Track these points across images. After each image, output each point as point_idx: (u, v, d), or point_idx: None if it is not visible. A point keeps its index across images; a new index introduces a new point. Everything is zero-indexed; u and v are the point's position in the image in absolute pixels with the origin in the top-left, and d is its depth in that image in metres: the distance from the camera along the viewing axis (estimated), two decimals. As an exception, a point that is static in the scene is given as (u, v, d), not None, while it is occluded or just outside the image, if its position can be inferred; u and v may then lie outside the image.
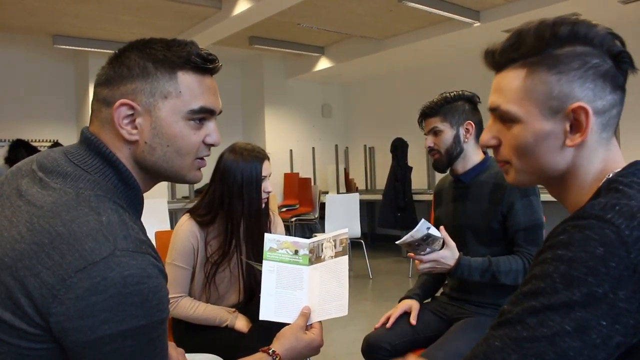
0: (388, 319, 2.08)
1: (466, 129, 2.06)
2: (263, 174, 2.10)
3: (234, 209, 2.06)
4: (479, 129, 2.08)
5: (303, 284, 1.51)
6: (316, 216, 8.20)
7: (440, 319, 2.10)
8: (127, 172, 1.02)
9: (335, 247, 1.51)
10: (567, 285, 0.75)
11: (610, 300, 0.73)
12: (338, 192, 8.50)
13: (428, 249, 1.83)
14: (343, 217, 6.19)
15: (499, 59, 0.95)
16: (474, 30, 6.31)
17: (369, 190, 8.85)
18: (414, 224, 6.16)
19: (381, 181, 7.81)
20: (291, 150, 9.09)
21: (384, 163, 7.80)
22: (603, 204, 0.79)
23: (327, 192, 8.51)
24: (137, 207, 1.05)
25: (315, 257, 1.54)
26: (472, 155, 2.09)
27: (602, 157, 0.91)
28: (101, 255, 0.85)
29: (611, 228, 0.75)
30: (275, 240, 1.55)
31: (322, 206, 6.34)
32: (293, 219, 8.10)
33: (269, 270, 1.51)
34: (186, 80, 1.03)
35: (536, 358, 0.75)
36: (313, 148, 9.20)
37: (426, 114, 2.10)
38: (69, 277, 0.83)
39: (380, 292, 5.62)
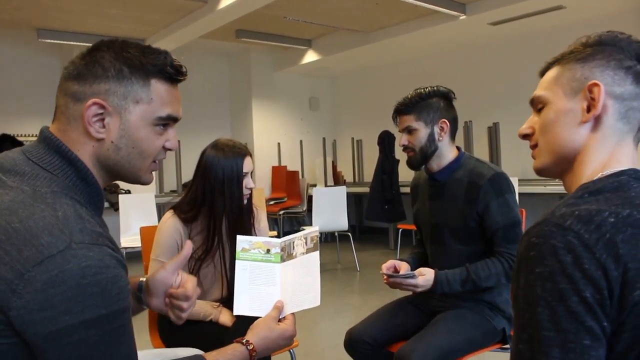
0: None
1: (440, 127, 2.05)
2: (244, 170, 2.11)
3: (215, 205, 2.08)
4: (454, 126, 2.09)
5: (275, 280, 1.56)
6: (304, 209, 8.23)
7: (421, 312, 2.13)
8: (86, 169, 1.05)
9: (306, 244, 1.55)
10: (560, 300, 0.80)
11: (599, 300, 0.79)
12: (326, 185, 8.53)
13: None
14: (330, 210, 6.22)
15: (547, 64, 1.08)
16: (460, 23, 6.33)
17: (357, 182, 8.88)
18: (401, 216, 6.20)
19: (369, 173, 7.85)
20: (279, 144, 9.09)
21: (372, 156, 7.84)
22: (563, 211, 0.84)
23: (315, 185, 8.54)
24: (96, 203, 1.08)
25: (287, 254, 1.59)
26: (447, 153, 2.09)
27: (611, 150, 0.97)
28: (58, 248, 0.87)
29: (572, 234, 0.81)
30: (247, 241, 1.60)
31: (310, 199, 6.36)
32: (281, 212, 8.12)
33: (242, 269, 1.56)
34: (158, 88, 1.08)
35: None
36: (301, 141, 9.22)
37: (400, 110, 2.08)
38: (27, 271, 0.85)
39: (368, 284, 5.66)
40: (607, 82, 0.96)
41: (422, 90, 2.06)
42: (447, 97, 2.10)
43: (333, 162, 9.21)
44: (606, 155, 0.97)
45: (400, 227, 6.31)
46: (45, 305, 0.85)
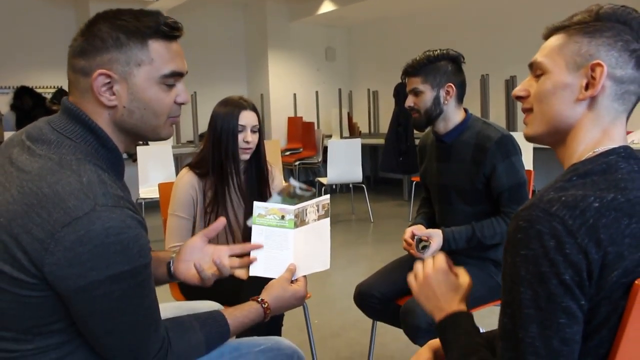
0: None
1: (447, 91, 2.07)
2: (241, 122, 2.13)
3: (217, 159, 2.15)
4: (461, 90, 2.10)
5: (289, 245, 1.65)
6: (319, 160, 8.29)
7: (428, 268, 2.21)
8: (106, 136, 1.13)
9: (318, 212, 1.63)
10: (541, 282, 0.87)
11: (578, 281, 0.85)
12: (341, 136, 8.56)
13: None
14: (345, 162, 6.27)
15: (551, 28, 1.06)
16: (479, -28, 6.20)
17: (372, 134, 8.89)
18: (415, 168, 6.22)
19: (384, 125, 7.84)
20: (295, 95, 9.09)
21: (388, 107, 7.82)
22: (551, 196, 0.90)
23: (330, 136, 8.57)
24: (117, 168, 1.17)
25: (300, 220, 1.67)
26: (453, 116, 2.12)
27: (604, 128, 0.99)
28: (83, 211, 0.96)
29: (557, 220, 0.86)
30: (263, 207, 1.69)
31: (325, 150, 6.41)
32: (297, 163, 8.20)
33: (258, 234, 1.66)
34: (156, 48, 1.13)
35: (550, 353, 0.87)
36: (317, 92, 9.20)
37: (408, 72, 2.11)
38: (56, 231, 0.95)
39: (381, 235, 5.76)
40: (611, 64, 0.96)
41: (431, 52, 2.08)
42: (456, 60, 2.11)
43: (349, 113, 9.20)
44: (599, 132, 0.99)
45: (414, 179, 6.37)
46: (74, 262, 0.95)
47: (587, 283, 0.86)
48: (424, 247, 2.03)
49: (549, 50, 1.03)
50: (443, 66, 2.07)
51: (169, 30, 1.14)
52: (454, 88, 2.07)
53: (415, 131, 7.11)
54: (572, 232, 0.85)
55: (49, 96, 7.44)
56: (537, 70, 1.05)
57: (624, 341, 0.87)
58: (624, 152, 0.97)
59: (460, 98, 2.12)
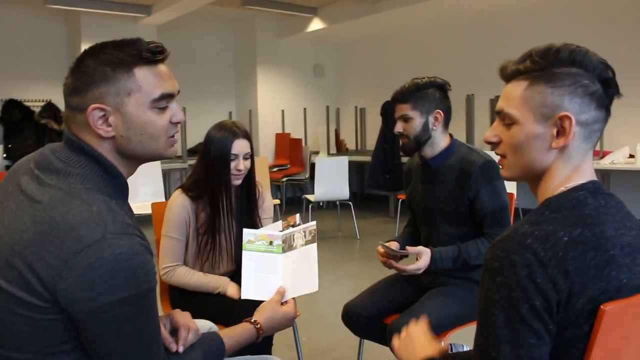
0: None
1: (435, 117, 2.14)
2: (234, 151, 2.17)
3: (209, 183, 2.20)
4: (448, 116, 2.18)
5: (278, 269, 1.75)
6: (307, 176, 8.36)
7: (414, 288, 2.28)
8: (109, 163, 1.18)
9: (305, 237, 1.72)
10: (513, 306, 0.95)
11: (547, 307, 0.94)
12: (329, 153, 8.64)
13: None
14: (332, 179, 6.34)
15: (509, 72, 1.12)
16: (465, -5, 6.34)
17: (359, 151, 8.99)
18: (401, 185, 6.30)
19: (371, 142, 7.95)
20: (283, 111, 9.17)
21: (375, 124, 7.92)
22: (525, 229, 0.98)
23: (317, 153, 8.65)
24: (123, 191, 1.22)
25: (287, 246, 1.78)
26: (440, 141, 2.19)
27: (575, 165, 1.08)
28: (94, 238, 1.02)
29: (530, 252, 0.95)
30: (252, 234, 1.78)
31: (313, 166, 6.48)
32: (284, 179, 8.26)
33: (248, 259, 1.76)
34: (142, 74, 1.16)
35: None
36: (305, 109, 9.29)
37: (397, 99, 2.17)
38: (69, 258, 1.00)
39: (368, 252, 5.82)
40: (575, 111, 1.03)
41: (419, 80, 2.15)
42: (442, 88, 2.19)
43: (336, 130, 9.30)
44: (570, 170, 1.08)
45: (400, 197, 6.45)
46: (85, 287, 1.01)
47: (556, 310, 0.94)
48: (402, 258, 2.13)
49: (515, 100, 1.08)
50: (431, 94, 2.15)
51: (152, 56, 1.17)
52: (442, 114, 2.15)
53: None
54: (543, 263, 0.94)
55: (37, 109, 7.47)
56: (506, 119, 1.11)
57: (592, 357, 0.95)
58: (593, 187, 1.06)
59: (446, 124, 2.20)
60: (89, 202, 1.07)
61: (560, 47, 1.06)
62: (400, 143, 2.24)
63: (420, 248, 2.08)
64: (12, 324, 1.05)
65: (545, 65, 1.05)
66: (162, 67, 1.20)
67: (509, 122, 1.11)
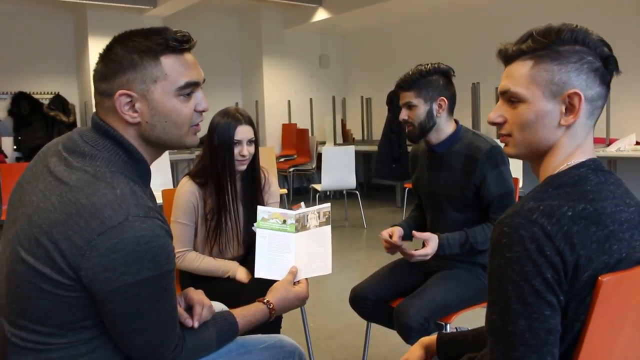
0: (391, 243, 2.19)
1: (439, 104, 2.16)
2: (237, 137, 2.21)
3: (214, 169, 2.24)
4: (452, 102, 2.20)
5: (290, 248, 1.76)
6: (313, 166, 8.39)
7: (420, 272, 2.31)
8: (134, 148, 1.22)
9: (319, 218, 1.73)
10: (526, 280, 0.97)
11: (557, 279, 0.97)
12: (335, 143, 8.66)
13: None
14: (339, 169, 6.37)
15: (511, 53, 1.13)
16: (470, -17, 6.33)
17: (366, 140, 8.99)
18: (408, 175, 6.31)
19: (378, 132, 7.95)
20: (289, 101, 9.19)
21: (381, 114, 7.92)
22: (530, 205, 1.01)
23: (324, 143, 8.67)
24: (145, 177, 1.26)
25: (301, 225, 1.79)
26: (445, 128, 2.21)
27: (578, 143, 1.10)
28: (118, 220, 1.06)
29: (537, 226, 0.98)
30: (266, 212, 1.79)
31: (320, 157, 6.51)
32: (291, 169, 8.30)
33: (261, 237, 1.77)
34: (169, 62, 1.20)
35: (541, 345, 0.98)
36: (311, 99, 9.30)
37: (401, 87, 2.19)
38: (93, 239, 1.05)
39: (375, 241, 5.85)
40: (582, 87, 1.05)
41: (423, 67, 2.16)
42: (447, 74, 2.20)
43: (342, 120, 9.30)
44: (573, 147, 1.10)
45: (406, 186, 6.47)
46: (108, 267, 1.05)
47: (564, 281, 0.97)
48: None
49: (522, 79, 1.10)
50: (435, 80, 2.16)
51: (178, 44, 1.21)
52: (446, 101, 2.17)
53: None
54: (550, 236, 0.96)
55: (46, 102, 7.53)
56: (511, 98, 1.12)
57: (591, 326, 0.99)
58: (593, 164, 1.09)
59: (451, 110, 2.22)
60: (114, 185, 1.11)
61: (561, 27, 1.08)
62: (406, 131, 2.26)
63: (428, 234, 2.09)
64: (37, 299, 1.10)
65: (548, 44, 1.07)
66: (188, 56, 1.24)
67: (515, 100, 1.12)
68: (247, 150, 2.24)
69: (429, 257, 2.07)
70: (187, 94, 1.23)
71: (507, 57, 1.15)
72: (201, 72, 1.26)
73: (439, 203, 2.25)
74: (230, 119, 2.22)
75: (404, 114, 2.20)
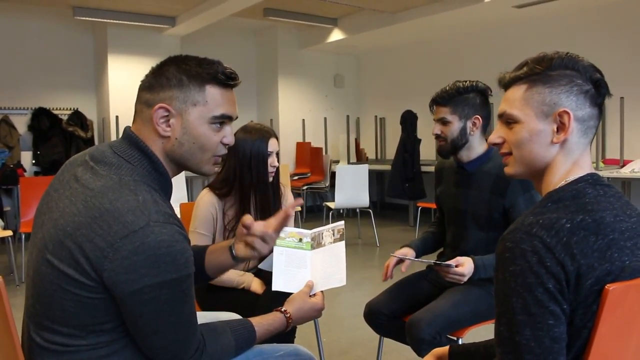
0: (389, 270, 2.28)
1: (473, 122, 2.15)
2: (269, 149, 2.34)
3: (244, 181, 2.32)
4: (487, 121, 2.18)
5: (306, 264, 1.83)
6: (327, 185, 8.44)
7: (433, 286, 2.33)
8: (159, 161, 1.29)
9: (334, 235, 1.82)
10: (529, 292, 1.01)
11: (559, 289, 1.01)
12: (349, 162, 8.72)
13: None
14: (352, 187, 6.40)
15: (508, 80, 1.22)
16: (485, 5, 6.39)
17: (379, 160, 9.05)
18: (421, 194, 6.36)
19: (391, 151, 7.99)
20: (303, 120, 9.28)
21: (394, 133, 7.97)
22: (530, 220, 1.06)
23: (338, 162, 8.72)
24: (167, 189, 1.33)
25: (316, 243, 1.87)
26: (477, 146, 2.20)
27: (574, 160, 1.17)
28: (139, 225, 1.12)
29: (537, 239, 1.03)
30: (283, 231, 1.85)
31: (333, 175, 6.55)
32: (304, 187, 8.34)
33: (278, 254, 1.84)
34: (212, 92, 1.29)
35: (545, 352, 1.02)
36: (325, 118, 9.38)
37: (437, 102, 2.18)
38: (115, 242, 1.11)
39: (387, 259, 5.82)
40: (572, 107, 1.13)
41: (461, 84, 2.15)
42: (484, 93, 2.18)
43: (356, 139, 9.37)
44: (570, 164, 1.17)
45: (419, 205, 6.49)
46: (130, 269, 1.10)
47: (567, 290, 1.01)
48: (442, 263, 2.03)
49: (518, 103, 1.19)
50: (472, 98, 2.15)
51: (225, 79, 1.31)
52: (481, 120, 2.16)
53: (421, 157, 7.26)
54: (550, 248, 1.01)
55: (65, 118, 7.66)
56: (508, 120, 1.21)
57: (598, 335, 1.02)
58: (591, 179, 1.15)
59: (484, 129, 2.20)
60: (136, 192, 1.17)
61: (553, 54, 1.17)
62: (437, 145, 2.25)
63: (459, 259, 2.02)
64: (60, 300, 1.15)
65: (542, 70, 1.16)
66: (230, 92, 1.33)
67: (511, 121, 1.20)
68: (276, 161, 2.37)
69: (465, 279, 1.99)
70: (219, 124, 1.31)
71: (505, 84, 1.24)
72: (236, 110, 1.35)
73: (463, 220, 2.25)
74: (261, 132, 2.35)
75: (437, 129, 2.19)
